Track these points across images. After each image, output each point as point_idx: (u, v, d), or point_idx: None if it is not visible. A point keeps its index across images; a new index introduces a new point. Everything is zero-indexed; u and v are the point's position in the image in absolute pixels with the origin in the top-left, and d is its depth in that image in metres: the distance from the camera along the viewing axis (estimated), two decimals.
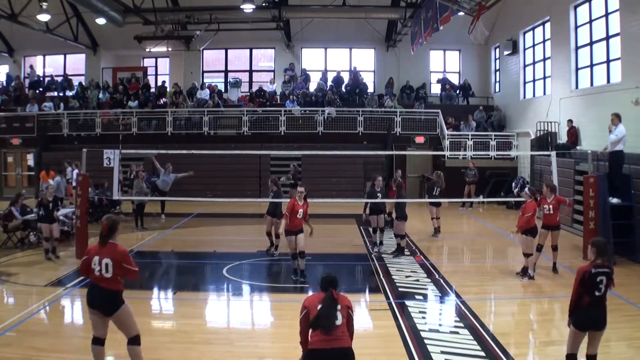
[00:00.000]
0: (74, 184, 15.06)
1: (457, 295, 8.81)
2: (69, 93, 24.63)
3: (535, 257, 9.71)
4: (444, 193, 14.61)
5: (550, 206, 9.95)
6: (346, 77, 24.69)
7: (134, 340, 5.61)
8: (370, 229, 12.42)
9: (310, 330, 4.63)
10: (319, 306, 4.61)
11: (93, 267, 5.53)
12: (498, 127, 22.29)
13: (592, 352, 5.36)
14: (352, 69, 24.77)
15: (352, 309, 4.76)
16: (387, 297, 8.70)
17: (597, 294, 5.25)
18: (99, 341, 5.60)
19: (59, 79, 25.40)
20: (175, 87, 23.98)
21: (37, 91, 24.53)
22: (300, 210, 9.37)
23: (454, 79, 25.28)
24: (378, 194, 11.74)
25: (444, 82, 24.55)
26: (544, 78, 19.32)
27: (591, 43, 15.72)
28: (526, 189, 10.56)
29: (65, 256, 11.35)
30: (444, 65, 25.79)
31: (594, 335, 5.33)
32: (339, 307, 4.62)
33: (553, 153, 12.45)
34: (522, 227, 9.58)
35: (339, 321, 4.57)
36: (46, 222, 11.11)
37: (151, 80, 25.91)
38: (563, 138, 16.81)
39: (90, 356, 6.12)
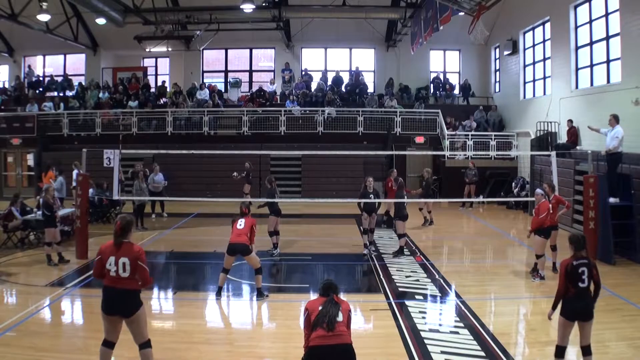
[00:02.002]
0: (73, 184, 15.03)
1: (457, 295, 8.81)
2: (69, 93, 24.63)
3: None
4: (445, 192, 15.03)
5: (550, 205, 9.93)
6: (346, 77, 24.70)
7: (147, 344, 5.49)
8: (361, 229, 12.24)
9: (312, 331, 4.68)
10: (321, 307, 4.70)
11: (108, 269, 5.38)
12: (493, 126, 22.31)
13: (585, 343, 5.58)
14: (355, 69, 24.74)
15: (351, 313, 4.88)
16: (387, 297, 8.70)
17: (581, 285, 5.50)
18: (110, 344, 5.48)
19: (59, 79, 25.40)
20: (175, 87, 23.99)
21: (37, 91, 24.53)
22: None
23: (454, 79, 25.26)
24: (370, 195, 11.50)
25: (439, 82, 24.50)
26: (544, 78, 19.32)
27: (591, 43, 15.72)
28: (538, 190, 10.55)
29: (65, 256, 11.31)
30: (444, 65, 25.78)
31: (583, 326, 5.55)
32: (340, 307, 4.73)
33: (553, 153, 12.43)
34: (535, 227, 9.52)
35: (340, 318, 4.66)
36: (52, 226, 10.73)
37: (151, 80, 25.90)
38: (563, 138, 16.80)
39: (90, 356, 6.14)
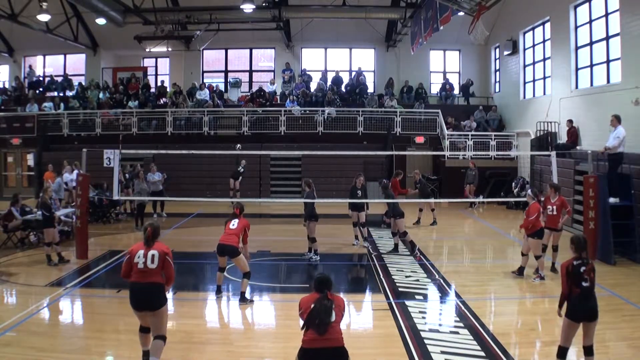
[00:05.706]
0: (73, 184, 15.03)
1: (457, 295, 8.81)
2: (69, 93, 24.63)
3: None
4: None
5: (554, 207, 9.94)
6: (345, 77, 24.69)
7: (162, 337, 5.73)
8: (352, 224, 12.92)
9: (304, 329, 4.61)
10: (313, 305, 4.59)
11: (136, 262, 5.63)
12: (492, 126, 22.30)
13: (588, 343, 5.57)
14: (357, 69, 24.72)
15: (344, 309, 4.80)
16: (387, 297, 8.70)
17: (584, 284, 5.50)
18: (146, 330, 5.79)
19: (59, 79, 25.40)
20: (175, 87, 24.00)
21: (37, 91, 24.53)
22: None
23: (454, 79, 25.25)
24: (358, 192, 12.36)
25: (445, 84, 24.52)
26: (544, 78, 19.32)
27: (591, 43, 15.71)
28: (529, 191, 10.55)
29: (65, 256, 11.30)
30: (444, 65, 25.78)
31: (588, 326, 5.54)
32: (334, 305, 4.61)
33: (553, 153, 12.44)
34: (529, 229, 9.51)
35: (333, 318, 4.56)
36: (50, 226, 10.81)
37: (151, 80, 25.90)
38: (563, 138, 16.80)
39: (90, 356, 6.17)
